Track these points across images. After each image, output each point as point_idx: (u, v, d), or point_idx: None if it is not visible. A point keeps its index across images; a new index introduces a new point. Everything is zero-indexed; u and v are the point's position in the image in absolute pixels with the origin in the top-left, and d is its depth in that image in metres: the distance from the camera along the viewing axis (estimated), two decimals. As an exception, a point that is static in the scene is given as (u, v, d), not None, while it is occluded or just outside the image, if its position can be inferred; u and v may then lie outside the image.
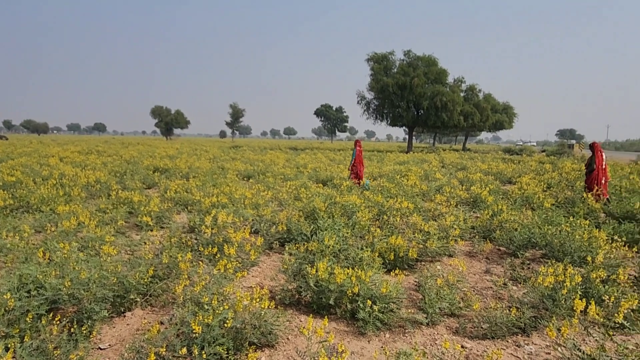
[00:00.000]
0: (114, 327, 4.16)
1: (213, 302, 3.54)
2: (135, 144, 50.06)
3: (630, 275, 5.43)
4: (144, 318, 4.37)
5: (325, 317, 3.86)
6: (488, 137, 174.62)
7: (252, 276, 5.64)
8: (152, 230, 7.96)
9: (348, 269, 4.78)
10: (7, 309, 3.45)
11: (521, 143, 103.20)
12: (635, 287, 5.01)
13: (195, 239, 6.61)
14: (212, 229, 6.33)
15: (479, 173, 16.72)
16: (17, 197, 9.35)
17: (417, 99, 43.47)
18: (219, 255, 5.18)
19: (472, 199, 11.21)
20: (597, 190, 10.38)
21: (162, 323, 4.16)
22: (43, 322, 3.33)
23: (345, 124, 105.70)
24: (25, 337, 3.27)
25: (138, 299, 4.52)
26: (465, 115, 45.65)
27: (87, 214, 7.94)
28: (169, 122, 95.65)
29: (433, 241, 6.35)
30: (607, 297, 4.13)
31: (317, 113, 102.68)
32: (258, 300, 3.73)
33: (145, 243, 6.68)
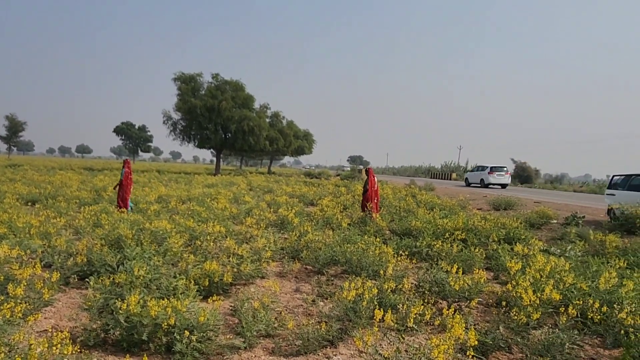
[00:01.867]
0: None
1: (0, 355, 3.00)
2: None
3: (412, 283, 6.42)
4: None
5: (144, 355, 3.62)
6: (290, 161, 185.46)
7: (46, 318, 4.91)
8: None
9: (162, 299, 4.57)
10: None
11: (309, 167, 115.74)
12: (417, 294, 5.94)
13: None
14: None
15: (285, 196, 17.70)
16: None
17: (225, 122, 43.83)
18: (2, 298, 4.37)
19: (279, 221, 11.79)
20: (368, 208, 12.50)
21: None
22: None
23: (150, 143, 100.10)
24: None
25: None
26: (271, 140, 47.82)
27: None
28: None
29: (247, 264, 6.50)
30: (401, 305, 4.83)
31: (117, 131, 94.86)
32: (58, 345, 3.30)
33: None
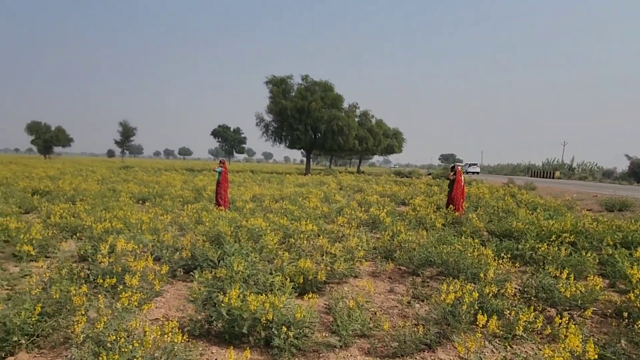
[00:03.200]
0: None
1: (119, 339, 3.24)
2: (7, 162, 44.81)
3: (515, 288, 6.00)
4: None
5: (245, 347, 3.73)
6: (379, 160, 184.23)
7: (157, 307, 5.29)
8: (35, 261, 7.15)
9: (260, 295, 4.69)
10: None
11: (399, 166, 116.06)
12: (521, 300, 5.53)
13: (89, 269, 6.05)
14: (108, 257, 5.84)
15: (375, 195, 17.54)
16: None
17: (315, 122, 44.63)
18: (121, 287, 4.76)
19: (371, 220, 11.69)
20: (453, 207, 12.57)
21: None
22: None
23: (244, 145, 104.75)
24: None
25: (23, 341, 3.99)
26: (360, 140, 47.86)
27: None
28: (48, 139, 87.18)
29: (340, 263, 6.49)
30: (507, 311, 4.51)
31: (215, 134, 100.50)
32: (169, 334, 3.50)
33: (28, 276, 5.98)
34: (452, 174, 13.25)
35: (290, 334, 4.13)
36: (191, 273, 6.36)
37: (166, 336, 3.43)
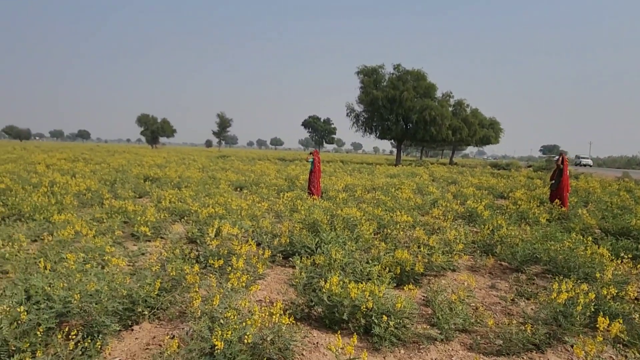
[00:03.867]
0: (122, 342, 4.03)
1: (232, 316, 3.44)
2: (121, 152, 49.45)
3: (638, 292, 5.46)
4: (152, 332, 4.25)
5: (354, 335, 3.78)
6: (473, 151, 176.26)
7: (260, 290, 5.55)
8: (150, 241, 7.84)
9: (359, 283, 4.73)
10: (19, 322, 3.32)
11: (495, 158, 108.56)
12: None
13: (197, 250, 6.50)
14: (215, 240, 6.21)
15: (471, 187, 16.85)
16: (9, 205, 9.12)
17: (406, 112, 43.80)
18: (230, 268, 5.06)
19: (467, 214, 11.26)
20: (559, 202, 11.81)
21: (173, 337, 4.04)
22: (59, 336, 3.20)
23: (333, 135, 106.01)
24: (38, 351, 3.14)
25: (146, 312, 4.39)
26: (454, 130, 46.17)
27: (82, 223, 7.74)
28: (155, 130, 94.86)
29: (438, 255, 6.33)
30: (635, 315, 4.12)
31: (305, 124, 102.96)
32: (277, 315, 3.65)
33: (145, 254, 6.56)
34: (559, 159, 12.27)
35: (391, 323, 4.11)
36: (290, 259, 6.59)
37: (274, 317, 3.58)
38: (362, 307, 4.29)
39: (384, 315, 4.15)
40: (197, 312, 3.79)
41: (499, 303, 5.51)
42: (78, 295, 3.82)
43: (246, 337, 3.29)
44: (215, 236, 6.65)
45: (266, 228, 7.83)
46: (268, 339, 3.47)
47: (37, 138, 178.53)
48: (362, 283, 4.72)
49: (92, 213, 9.33)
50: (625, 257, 6.25)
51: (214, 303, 3.82)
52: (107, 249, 6.07)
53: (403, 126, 46.02)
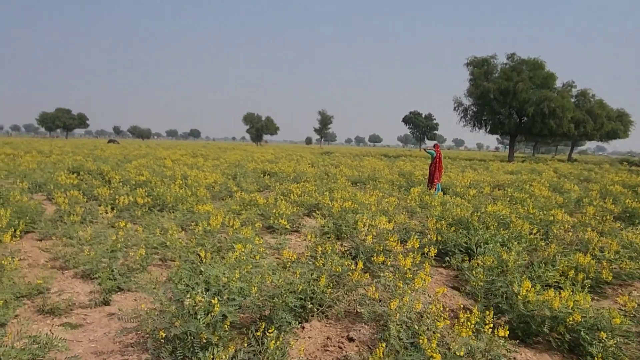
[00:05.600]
0: (297, 340, 3.76)
1: (438, 324, 2.98)
2: (231, 148, 52.04)
3: None
4: (324, 332, 3.95)
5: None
6: (591, 147, 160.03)
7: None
8: (286, 234, 7.74)
9: (545, 290, 4.04)
10: (212, 314, 3.15)
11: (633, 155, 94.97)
12: None
13: (344, 244, 6.18)
14: (368, 236, 5.83)
15: (617, 185, 14.89)
16: (154, 196, 9.60)
17: (521, 105, 40.72)
18: (389, 264, 4.63)
19: (626, 214, 9.83)
20: None
21: (351, 339, 3.69)
22: (258, 333, 2.97)
23: (435, 131, 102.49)
24: (230, 347, 2.93)
25: (315, 309, 4.11)
26: (577, 123, 41.91)
27: (221, 213, 7.82)
28: (259, 128, 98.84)
29: (628, 262, 5.37)
30: None
31: (406, 120, 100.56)
32: (468, 324, 3.13)
33: (286, 247, 6.39)
34: None
35: (611, 342, 3.39)
36: (444, 258, 6.04)
37: (486, 327, 3.05)
38: (568, 320, 3.60)
39: (601, 332, 3.43)
40: (395, 315, 3.37)
41: None
42: (255, 288, 3.61)
43: (458, 350, 2.80)
44: (352, 230, 6.30)
45: (408, 224, 7.33)
46: (478, 351, 2.95)
47: (155, 137, 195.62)
48: (552, 290, 4.02)
49: (227, 204, 9.50)
50: None
51: (403, 303, 3.38)
52: (257, 240, 5.99)
53: (517, 120, 42.95)
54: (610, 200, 11.48)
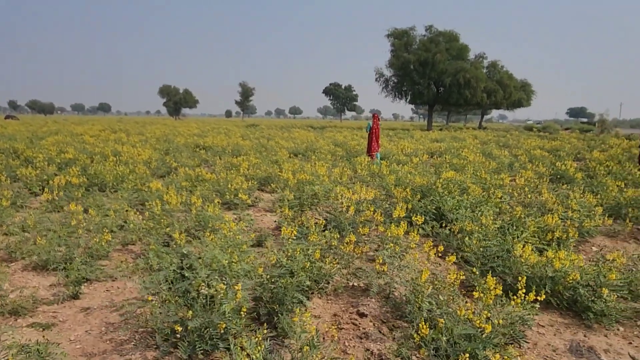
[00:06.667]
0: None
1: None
2: (149, 123, 49.16)
3: None
4: (327, 308, 3.80)
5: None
6: (495, 115, 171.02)
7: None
8: (245, 210, 7.42)
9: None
10: (235, 301, 2.85)
11: (530, 121, 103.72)
12: None
13: (319, 218, 6.00)
14: (348, 208, 5.68)
15: (538, 149, 16.01)
16: (90, 175, 8.74)
17: (439, 75, 42.28)
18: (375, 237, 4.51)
19: (557, 176, 10.58)
20: None
21: (363, 315, 3.56)
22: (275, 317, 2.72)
23: (355, 102, 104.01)
24: (257, 334, 2.68)
25: (315, 287, 3.93)
26: (489, 93, 44.39)
27: (172, 191, 7.27)
28: (177, 101, 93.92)
29: (589, 220, 5.74)
30: None
31: (326, 92, 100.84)
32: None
33: (254, 223, 6.11)
34: None
35: (613, 297, 3.58)
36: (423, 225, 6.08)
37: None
38: (568, 279, 3.74)
39: (602, 288, 3.60)
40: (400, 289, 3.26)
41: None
42: (261, 269, 3.35)
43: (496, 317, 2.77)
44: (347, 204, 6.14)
45: (367, 197, 7.29)
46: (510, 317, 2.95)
47: (59, 112, 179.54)
48: (549, 251, 4.17)
49: (173, 181, 8.89)
50: None
51: (422, 278, 3.30)
52: (226, 217, 5.64)
53: (435, 90, 44.63)
54: (539, 163, 12.33)
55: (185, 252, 4.10)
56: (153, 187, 7.47)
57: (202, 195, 7.47)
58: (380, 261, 3.85)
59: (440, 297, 3.23)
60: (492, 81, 45.01)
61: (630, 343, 3.36)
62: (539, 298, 3.13)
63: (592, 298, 3.64)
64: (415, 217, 5.09)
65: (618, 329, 3.58)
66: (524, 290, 3.12)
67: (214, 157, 13.85)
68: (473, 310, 2.98)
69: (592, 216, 6.13)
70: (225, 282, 3.09)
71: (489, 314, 2.89)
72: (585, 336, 3.46)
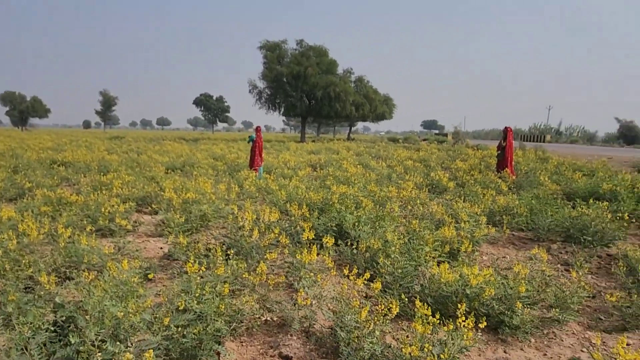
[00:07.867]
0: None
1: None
2: (-13, 135, 42.54)
3: None
4: (243, 353, 3.34)
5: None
6: (360, 128, 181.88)
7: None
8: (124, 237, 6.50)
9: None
10: None
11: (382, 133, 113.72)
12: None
13: (215, 243, 5.45)
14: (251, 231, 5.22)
15: (410, 160, 17.07)
16: None
17: (311, 88, 43.47)
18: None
19: (433, 185, 11.26)
20: (505, 170, 12.29)
21: (287, 358, 3.17)
22: None
23: (227, 114, 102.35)
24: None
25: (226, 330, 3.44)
26: (357, 106, 46.80)
27: (30, 219, 6.09)
28: (23, 110, 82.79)
29: (480, 230, 6.06)
30: None
31: (197, 102, 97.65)
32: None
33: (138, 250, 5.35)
34: (502, 139, 12.88)
35: (525, 310, 3.69)
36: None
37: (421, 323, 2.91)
38: (483, 295, 3.78)
39: (517, 302, 3.70)
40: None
41: (556, 275, 5.38)
42: (167, 319, 2.79)
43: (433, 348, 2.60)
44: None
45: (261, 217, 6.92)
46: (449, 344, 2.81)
47: None
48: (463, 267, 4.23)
49: (28, 205, 7.52)
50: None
51: (362, 316, 3.02)
52: (105, 250, 4.83)
53: (307, 103, 45.73)
54: (414, 173, 13.06)
55: (59, 301, 3.32)
56: (3, 215, 6.17)
57: (70, 223, 6.39)
58: (302, 294, 3.50)
59: (376, 332, 3.00)
60: (359, 95, 47.54)
61: (545, 354, 3.48)
62: (480, 325, 3.07)
63: (506, 312, 3.72)
64: (325, 238, 4.83)
65: (530, 341, 3.70)
66: (463, 318, 3.02)
67: (76, 175, 12.27)
68: (411, 343, 2.79)
69: (479, 225, 6.51)
70: (126, 345, 2.47)
71: (431, 347, 2.72)
72: (505, 352, 3.51)
